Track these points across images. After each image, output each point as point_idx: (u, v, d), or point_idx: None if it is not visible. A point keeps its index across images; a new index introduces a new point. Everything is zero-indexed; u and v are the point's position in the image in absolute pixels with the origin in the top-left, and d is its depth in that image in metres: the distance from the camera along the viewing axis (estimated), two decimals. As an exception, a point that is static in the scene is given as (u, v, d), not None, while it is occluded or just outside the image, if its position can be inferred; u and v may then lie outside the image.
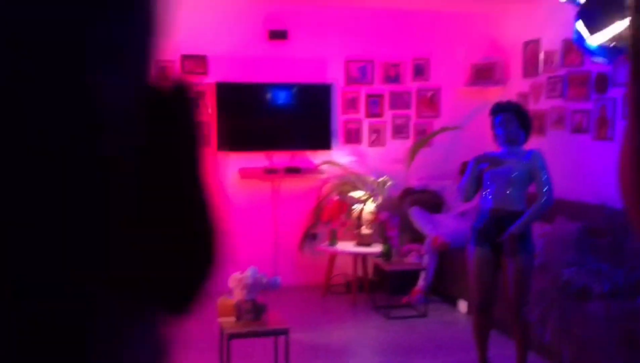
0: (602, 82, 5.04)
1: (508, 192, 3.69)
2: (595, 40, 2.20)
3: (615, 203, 4.82)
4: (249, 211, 5.96)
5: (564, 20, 5.44)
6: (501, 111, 3.78)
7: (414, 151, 6.03)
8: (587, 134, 5.24)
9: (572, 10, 5.25)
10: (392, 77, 6.28)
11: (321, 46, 6.08)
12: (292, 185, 6.03)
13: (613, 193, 4.89)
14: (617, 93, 4.90)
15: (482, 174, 3.76)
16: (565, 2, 2.18)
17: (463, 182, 3.87)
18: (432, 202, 6.12)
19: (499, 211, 3.69)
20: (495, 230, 3.69)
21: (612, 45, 2.22)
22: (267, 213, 6.03)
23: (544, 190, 3.64)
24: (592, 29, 2.22)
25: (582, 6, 2.26)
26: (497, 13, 6.38)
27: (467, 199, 3.94)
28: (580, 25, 2.30)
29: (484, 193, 3.79)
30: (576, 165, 5.30)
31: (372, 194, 5.78)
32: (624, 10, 2.06)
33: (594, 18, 2.20)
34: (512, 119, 3.72)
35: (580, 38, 2.33)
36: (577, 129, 5.35)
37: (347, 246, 5.69)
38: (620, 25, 2.15)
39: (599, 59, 2.36)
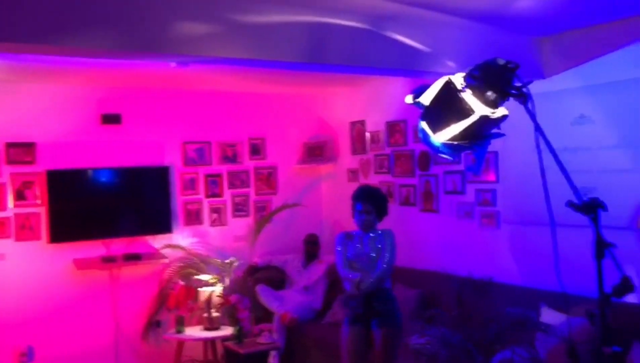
0: (425, 160, 5.60)
1: (371, 273, 3.91)
2: (438, 138, 2.40)
3: (440, 268, 5.32)
4: (87, 303, 5.61)
5: (386, 104, 6.00)
6: (362, 200, 4.00)
7: (257, 229, 6.12)
8: (415, 207, 5.75)
9: (392, 96, 5.81)
10: (230, 157, 6.38)
11: (156, 128, 6.01)
12: (132, 272, 5.78)
13: (441, 260, 5.36)
14: (439, 170, 5.46)
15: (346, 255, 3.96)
16: (409, 103, 2.42)
17: (344, 273, 4.03)
18: (276, 278, 6.23)
19: (366, 292, 3.89)
20: (365, 310, 3.88)
21: (454, 143, 2.44)
22: (106, 303, 5.70)
23: (385, 260, 3.91)
24: (435, 128, 2.42)
25: (426, 108, 2.48)
26: (324, 95, 6.83)
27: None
28: (424, 125, 2.51)
29: (349, 275, 3.97)
30: (407, 235, 5.76)
31: (219, 277, 5.74)
32: (461, 114, 2.29)
33: (436, 119, 2.39)
34: (371, 211, 3.97)
35: (425, 136, 2.53)
36: (405, 202, 5.84)
37: (194, 331, 5.54)
38: (459, 126, 2.38)
39: (444, 155, 2.61)
